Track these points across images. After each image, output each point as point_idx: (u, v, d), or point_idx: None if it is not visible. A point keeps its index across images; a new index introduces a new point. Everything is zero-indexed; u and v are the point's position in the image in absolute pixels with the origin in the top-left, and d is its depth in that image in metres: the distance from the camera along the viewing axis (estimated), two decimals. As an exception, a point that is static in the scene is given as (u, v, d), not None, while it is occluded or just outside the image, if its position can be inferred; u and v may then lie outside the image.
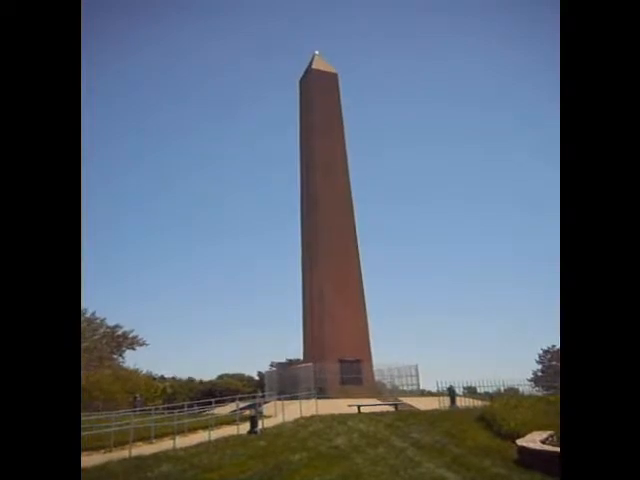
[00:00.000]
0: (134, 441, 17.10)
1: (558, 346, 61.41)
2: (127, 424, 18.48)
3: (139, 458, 15.16)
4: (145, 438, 18.93)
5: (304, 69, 46.35)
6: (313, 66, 44.29)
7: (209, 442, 17.80)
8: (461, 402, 28.76)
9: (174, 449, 16.60)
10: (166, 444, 17.75)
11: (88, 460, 14.50)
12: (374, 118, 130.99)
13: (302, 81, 46.31)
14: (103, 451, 16.80)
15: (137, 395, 37.55)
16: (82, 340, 47.28)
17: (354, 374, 35.51)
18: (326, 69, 44.54)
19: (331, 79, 44.38)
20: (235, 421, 21.29)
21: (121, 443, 17.13)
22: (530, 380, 56.06)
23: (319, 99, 43.23)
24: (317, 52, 45.54)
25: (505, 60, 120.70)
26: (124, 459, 15.09)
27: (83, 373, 39.02)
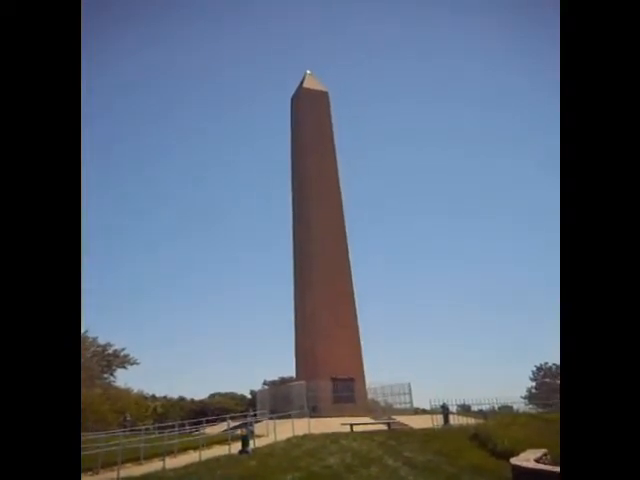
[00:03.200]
0: (123, 462, 16.79)
1: (551, 363, 61.47)
2: (116, 445, 18.15)
3: (127, 480, 14.91)
4: (134, 459, 18.60)
5: (296, 86, 46.66)
6: (304, 85, 44.61)
7: (199, 462, 17.54)
8: (455, 420, 28.54)
9: (163, 470, 16.34)
10: (155, 465, 17.47)
11: (75, 482, 14.20)
12: (368, 124, 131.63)
13: (294, 99, 46.59)
14: (90, 473, 16.47)
15: (127, 415, 37.05)
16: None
17: (347, 392, 35.20)
18: (317, 87, 44.84)
19: (322, 97, 44.66)
20: (226, 441, 21.00)
21: (109, 464, 16.80)
22: (524, 397, 55.95)
23: (310, 118, 43.46)
24: (309, 71, 45.90)
25: (504, 61, 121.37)
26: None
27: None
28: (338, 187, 42.22)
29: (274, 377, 62.64)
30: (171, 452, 19.60)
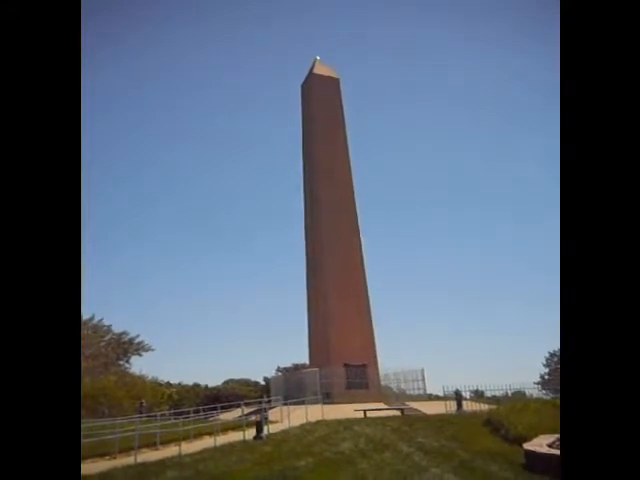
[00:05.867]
0: (139, 447, 17.01)
1: (565, 349, 61.17)
2: (132, 430, 18.40)
3: (144, 465, 15.09)
4: (150, 444, 18.84)
5: (306, 73, 46.38)
6: (314, 71, 44.31)
7: (215, 448, 17.72)
8: (468, 406, 28.61)
9: (179, 455, 16.52)
10: (171, 450, 17.69)
11: (92, 467, 14.46)
12: (376, 121, 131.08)
13: (304, 86, 46.33)
14: (108, 458, 16.73)
15: (143, 401, 37.53)
16: (88, 347, 47.43)
17: (360, 379, 35.36)
18: (327, 74, 44.54)
19: (333, 84, 44.38)
20: (241, 427, 21.19)
21: (126, 450, 17.05)
22: (537, 383, 55.80)
23: (321, 104, 43.24)
24: (318, 57, 45.60)
25: (506, 62, 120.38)
26: (129, 466, 15.02)
27: (89, 379, 39.11)
28: (350, 173, 42.08)
29: (288, 364, 63.10)
30: (187, 438, 19.82)
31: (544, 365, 64.02)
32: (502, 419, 19.64)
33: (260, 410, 23.25)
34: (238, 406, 29.96)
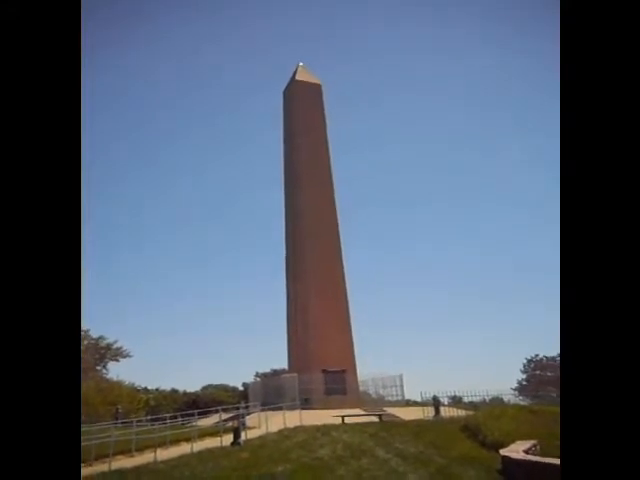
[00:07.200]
0: (114, 454, 16.80)
1: (542, 355, 61.96)
2: (108, 437, 18.15)
3: (119, 472, 14.91)
4: (126, 451, 18.59)
5: (288, 79, 46.48)
6: (297, 77, 44.42)
7: (191, 454, 17.57)
8: (446, 412, 28.72)
9: (155, 462, 16.35)
10: (147, 457, 17.48)
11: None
12: (374, 120, 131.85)
13: (286, 92, 46.41)
14: (83, 465, 16.43)
15: (119, 407, 37.03)
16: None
17: (339, 384, 35.32)
18: (309, 80, 44.67)
19: (315, 90, 44.50)
20: (218, 432, 21.04)
21: (101, 456, 16.79)
22: (514, 389, 56.36)
23: (303, 110, 43.31)
24: (301, 64, 45.70)
25: (503, 62, 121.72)
26: (103, 473, 14.83)
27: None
28: (330, 179, 42.16)
29: (266, 369, 62.81)
30: (163, 444, 19.62)
31: (521, 371, 64.70)
32: (479, 425, 19.80)
33: (238, 416, 23.08)
34: (216, 412, 29.76)
